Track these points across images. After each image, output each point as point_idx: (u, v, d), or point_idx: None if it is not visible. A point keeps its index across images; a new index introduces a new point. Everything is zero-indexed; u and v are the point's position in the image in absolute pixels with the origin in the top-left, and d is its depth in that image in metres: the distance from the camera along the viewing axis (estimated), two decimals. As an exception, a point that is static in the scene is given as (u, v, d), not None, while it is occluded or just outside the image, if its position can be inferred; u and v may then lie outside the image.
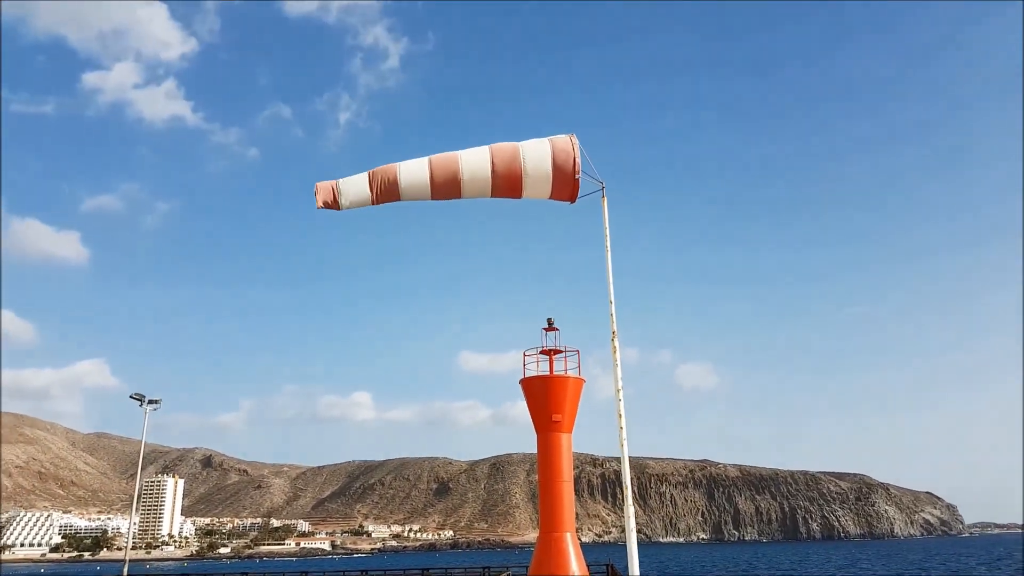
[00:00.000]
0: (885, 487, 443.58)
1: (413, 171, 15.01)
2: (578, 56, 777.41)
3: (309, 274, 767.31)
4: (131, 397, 47.17)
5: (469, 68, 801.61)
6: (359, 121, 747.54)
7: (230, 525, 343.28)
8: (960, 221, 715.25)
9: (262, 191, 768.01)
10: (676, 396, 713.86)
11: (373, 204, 15.16)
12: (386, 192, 14.91)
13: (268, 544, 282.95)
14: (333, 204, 14.93)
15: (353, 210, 15.10)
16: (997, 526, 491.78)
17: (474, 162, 15.25)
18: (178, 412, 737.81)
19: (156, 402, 48.01)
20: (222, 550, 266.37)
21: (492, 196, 15.56)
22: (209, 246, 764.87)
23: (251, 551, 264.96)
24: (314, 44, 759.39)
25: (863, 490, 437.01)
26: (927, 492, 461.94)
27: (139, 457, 53.24)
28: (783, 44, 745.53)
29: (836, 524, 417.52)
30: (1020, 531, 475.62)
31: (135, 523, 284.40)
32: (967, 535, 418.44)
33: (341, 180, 14.90)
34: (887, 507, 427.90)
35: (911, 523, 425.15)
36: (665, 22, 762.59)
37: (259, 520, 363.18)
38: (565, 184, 15.16)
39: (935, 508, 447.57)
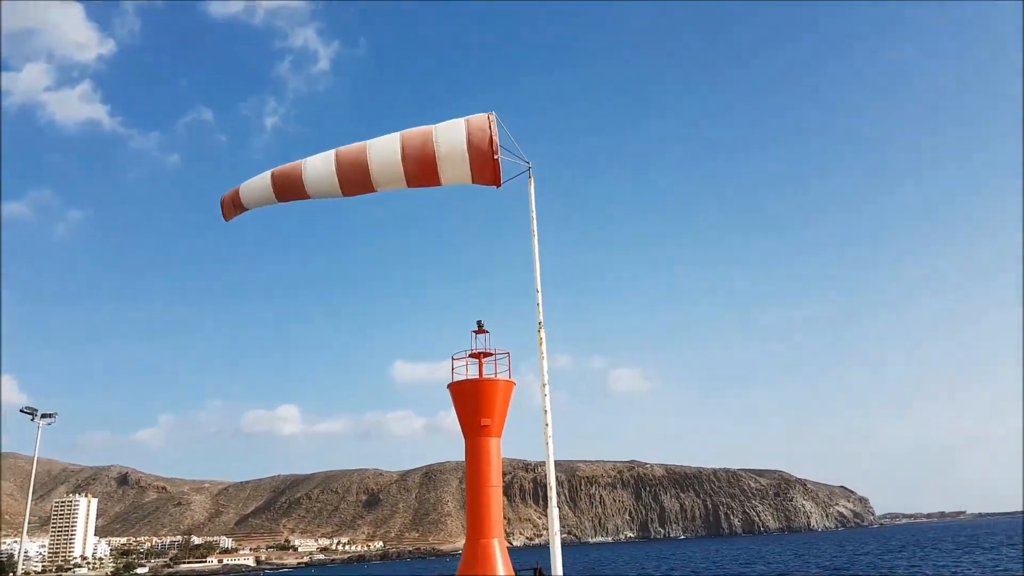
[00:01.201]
0: (802, 483, 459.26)
1: (318, 165, 14.01)
2: (513, 56, 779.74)
3: (232, 286, 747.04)
4: (22, 411, 44.93)
5: (402, 72, 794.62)
6: (287, 126, 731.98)
7: (148, 544, 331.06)
8: (856, 247, 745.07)
9: (183, 200, 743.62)
10: (608, 401, 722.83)
11: (279, 202, 14.01)
12: (291, 189, 13.79)
13: (189, 562, 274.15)
14: (239, 209, 14.04)
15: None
16: (905, 516, 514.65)
17: (382, 149, 14.29)
18: (93, 430, 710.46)
19: (50, 416, 45.87)
20: (139, 570, 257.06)
21: (409, 185, 14.45)
22: (125, 256, 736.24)
23: (171, 570, 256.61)
24: (239, 47, 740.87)
25: (781, 486, 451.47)
26: (841, 486, 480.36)
27: (33, 474, 50.75)
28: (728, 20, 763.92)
29: (756, 519, 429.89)
30: (925, 520, 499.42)
31: (43, 545, 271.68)
32: (878, 526, 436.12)
33: (243, 184, 13.94)
34: (804, 501, 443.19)
35: (827, 516, 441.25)
36: (604, 12, 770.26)
37: (179, 538, 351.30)
38: (484, 165, 14.00)
39: (848, 501, 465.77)
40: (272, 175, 13.84)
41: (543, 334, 11.69)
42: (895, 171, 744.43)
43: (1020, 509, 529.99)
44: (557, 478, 11.39)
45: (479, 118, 14.05)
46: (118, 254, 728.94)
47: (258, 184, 13.88)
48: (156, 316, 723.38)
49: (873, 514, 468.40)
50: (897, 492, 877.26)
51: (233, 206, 13.85)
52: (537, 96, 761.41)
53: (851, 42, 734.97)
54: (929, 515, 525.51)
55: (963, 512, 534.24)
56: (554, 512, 10.84)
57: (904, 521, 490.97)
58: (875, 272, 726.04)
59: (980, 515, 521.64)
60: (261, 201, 13.85)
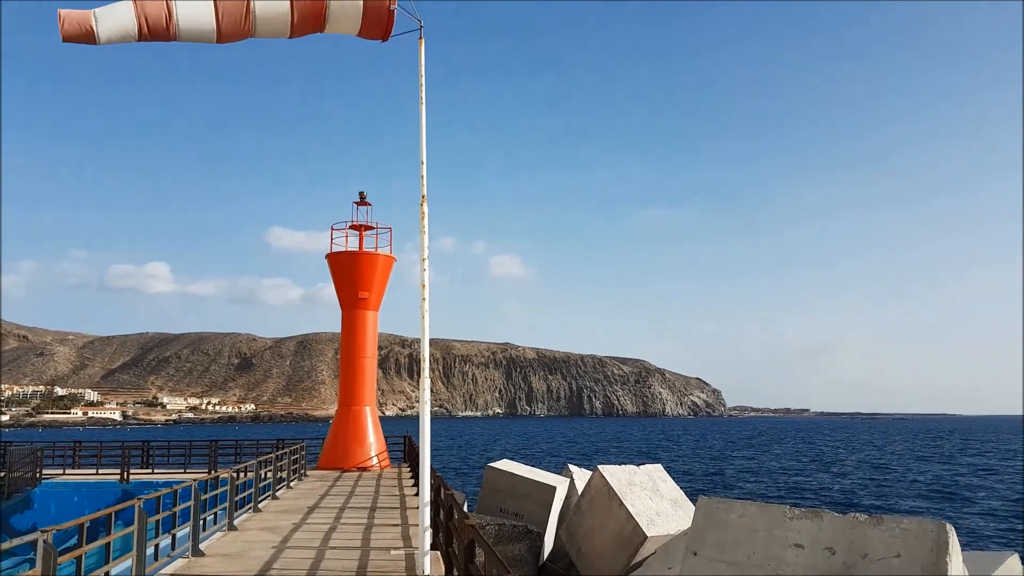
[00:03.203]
0: (661, 372, 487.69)
1: (194, 6, 12.08)
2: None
3: (103, 128, 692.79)
4: None
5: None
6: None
7: (8, 393, 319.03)
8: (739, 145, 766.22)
9: (55, 41, 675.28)
10: (487, 285, 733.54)
11: (139, 40, 11.95)
12: (155, 28, 11.86)
13: (53, 413, 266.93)
14: (86, 36, 11.71)
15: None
16: (753, 409, 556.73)
17: None
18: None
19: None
20: (1, 418, 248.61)
21: (292, 34, 13.13)
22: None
23: (33, 419, 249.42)
24: None
25: (642, 374, 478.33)
26: (697, 378, 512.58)
27: None
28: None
29: (616, 403, 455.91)
30: (772, 415, 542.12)
31: None
32: (728, 416, 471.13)
33: (99, 9, 11.73)
34: (661, 390, 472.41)
35: (681, 404, 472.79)
36: None
37: (42, 388, 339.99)
38: (377, 17, 12.76)
39: (702, 392, 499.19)
40: (136, 6, 11.76)
41: (426, 208, 11.68)
42: (776, 79, 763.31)
43: (861, 411, 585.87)
44: (432, 355, 11.49)
45: None
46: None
47: (116, 13, 11.76)
48: (20, 156, 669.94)
49: (724, 405, 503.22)
50: (747, 387, 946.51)
51: (81, 30, 11.65)
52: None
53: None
54: (776, 410, 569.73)
55: (807, 410, 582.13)
56: (425, 383, 11.25)
57: (752, 414, 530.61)
58: (748, 184, 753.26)
59: (822, 413, 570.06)
60: (116, 33, 11.70)
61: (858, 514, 8.36)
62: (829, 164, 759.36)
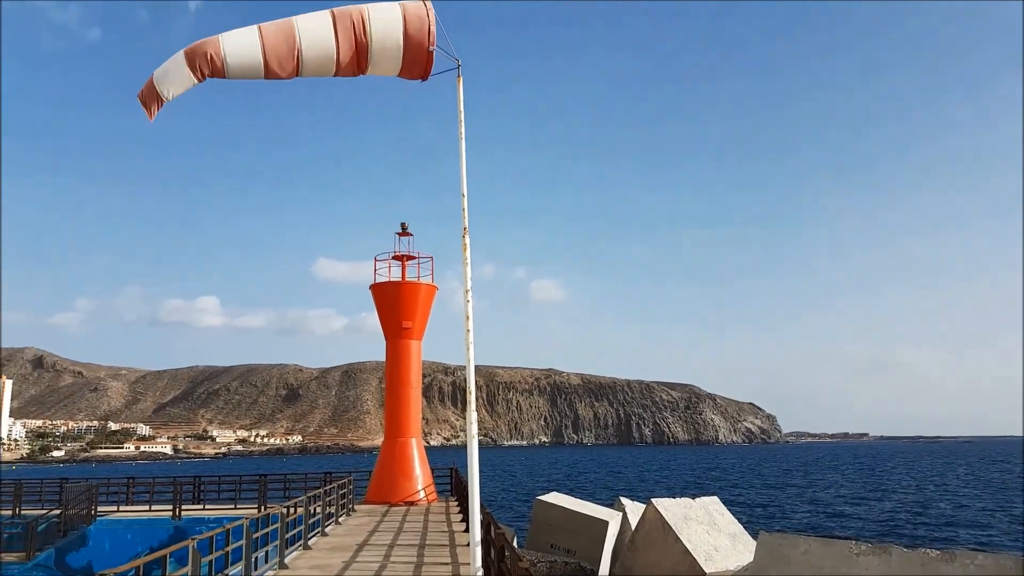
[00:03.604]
0: (712, 397, 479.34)
1: (241, 44, 12.47)
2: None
3: (155, 170, 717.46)
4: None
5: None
6: (211, 11, 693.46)
7: (64, 428, 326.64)
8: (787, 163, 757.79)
9: (104, 76, 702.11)
10: (529, 310, 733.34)
11: (199, 82, 12.58)
12: (208, 70, 12.47)
13: (106, 448, 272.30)
14: (157, 100, 12.47)
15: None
16: (810, 435, 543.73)
17: (315, 32, 12.72)
18: (7, 310, 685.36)
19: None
20: (56, 453, 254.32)
21: (335, 75, 13.50)
22: (43, 133, 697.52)
23: (87, 454, 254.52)
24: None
25: (692, 399, 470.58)
26: (750, 403, 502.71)
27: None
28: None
29: (667, 430, 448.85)
30: (830, 440, 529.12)
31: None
32: (784, 443, 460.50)
33: (155, 72, 12.45)
34: (713, 416, 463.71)
35: (734, 431, 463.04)
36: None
37: (95, 423, 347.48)
38: (417, 58, 12.97)
39: (756, 418, 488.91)
40: (185, 54, 12.32)
41: (468, 239, 11.55)
42: (827, 110, 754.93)
43: (919, 434, 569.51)
44: (476, 383, 11.42)
45: (415, 5, 12.82)
46: (33, 129, 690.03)
47: (170, 67, 12.34)
48: (76, 197, 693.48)
49: (780, 431, 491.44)
50: (803, 412, 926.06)
51: (152, 97, 12.38)
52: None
53: None
54: (833, 435, 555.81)
55: (866, 434, 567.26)
56: (472, 416, 11.02)
57: (809, 440, 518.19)
58: (797, 205, 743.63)
59: (882, 438, 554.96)
60: (177, 84, 12.27)
61: (928, 549, 7.92)
62: (884, 180, 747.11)
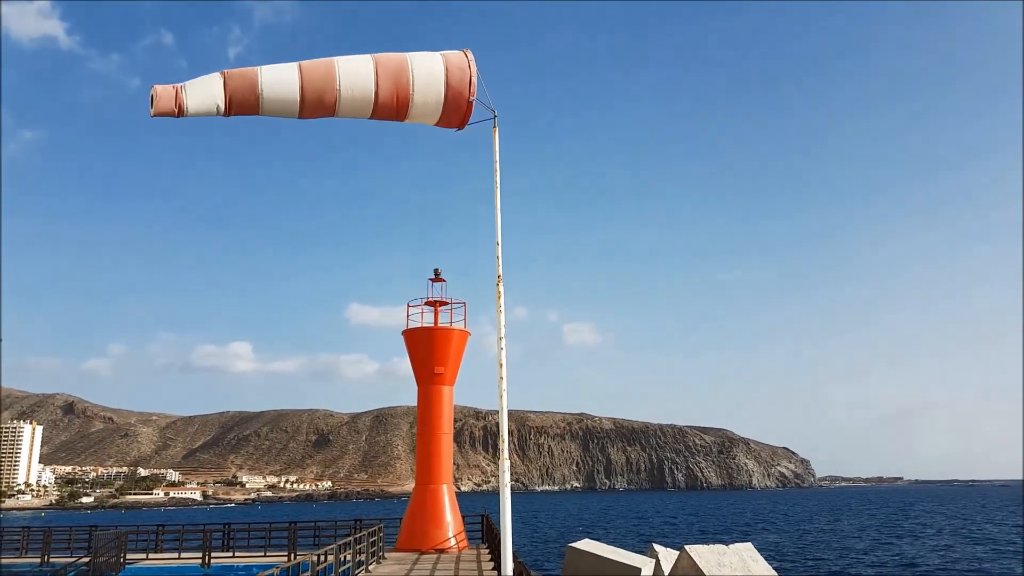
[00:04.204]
0: (745, 441, 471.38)
1: (279, 79, 12.23)
2: None
3: (190, 216, 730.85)
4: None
5: (372, 6, 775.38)
6: (251, 57, 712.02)
7: (93, 474, 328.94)
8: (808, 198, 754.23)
9: (141, 123, 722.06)
10: (561, 354, 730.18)
11: (224, 115, 12.23)
12: (242, 101, 12.11)
13: (135, 493, 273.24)
14: (175, 109, 12.03)
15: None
16: (844, 479, 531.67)
17: (355, 74, 12.63)
18: (39, 356, 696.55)
19: None
20: (85, 499, 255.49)
21: (372, 118, 13.46)
22: (79, 179, 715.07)
23: (116, 500, 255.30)
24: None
25: (725, 444, 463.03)
26: (783, 447, 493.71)
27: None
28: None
29: (700, 475, 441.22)
30: (864, 484, 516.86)
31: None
32: (818, 487, 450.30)
33: (188, 82, 12.11)
34: (746, 460, 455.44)
35: (768, 476, 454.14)
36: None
37: (125, 469, 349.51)
38: (457, 109, 13.01)
39: (790, 462, 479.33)
40: (224, 77, 12.11)
41: (502, 288, 11.52)
42: (854, 145, 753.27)
43: (957, 477, 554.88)
44: (507, 427, 11.30)
45: (457, 55, 12.91)
46: (72, 177, 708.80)
47: (205, 85, 12.06)
48: (110, 243, 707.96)
49: (814, 476, 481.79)
50: (837, 456, 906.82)
51: (168, 100, 11.99)
52: (504, 34, 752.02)
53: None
54: (868, 479, 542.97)
55: (900, 478, 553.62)
56: (505, 464, 10.89)
57: (843, 484, 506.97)
58: (829, 243, 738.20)
59: (916, 481, 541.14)
60: (203, 100, 12.03)
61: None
62: (913, 215, 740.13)
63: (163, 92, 11.94)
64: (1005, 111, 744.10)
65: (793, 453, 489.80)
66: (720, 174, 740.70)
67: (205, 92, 11.93)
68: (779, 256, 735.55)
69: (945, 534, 74.57)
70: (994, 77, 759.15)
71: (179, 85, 12.08)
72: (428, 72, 12.77)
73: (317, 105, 12.73)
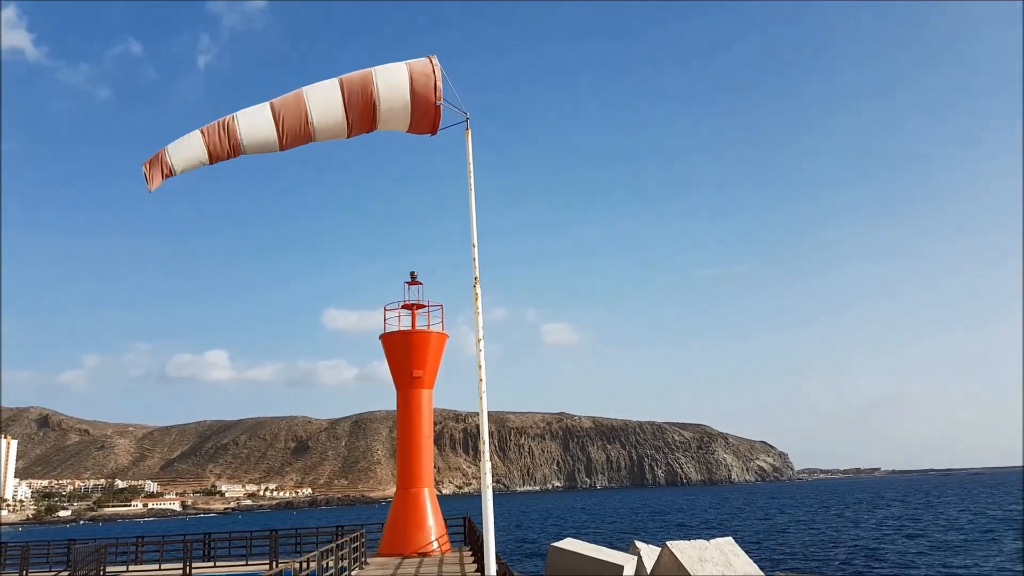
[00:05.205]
0: (724, 436, 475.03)
1: (255, 123, 13.03)
2: None
3: (162, 225, 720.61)
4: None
5: (342, 10, 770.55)
6: (221, 65, 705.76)
7: (70, 487, 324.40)
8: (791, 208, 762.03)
9: (112, 134, 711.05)
10: (540, 353, 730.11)
11: (210, 164, 13.17)
12: (223, 151, 13.02)
13: (113, 506, 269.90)
14: (166, 173, 13.16)
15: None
16: (822, 472, 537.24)
17: (324, 101, 13.23)
18: (12, 369, 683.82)
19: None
20: (62, 513, 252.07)
21: (349, 136, 13.94)
22: (49, 190, 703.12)
23: (94, 513, 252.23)
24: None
25: (704, 439, 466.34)
26: (762, 441, 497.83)
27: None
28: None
29: (679, 471, 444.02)
30: (842, 476, 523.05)
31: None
32: (796, 480, 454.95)
33: (169, 145, 13.03)
34: (725, 455, 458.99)
35: (747, 470, 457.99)
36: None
37: (102, 482, 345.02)
38: (425, 114, 13.37)
39: (768, 456, 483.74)
40: (203, 134, 12.91)
41: (479, 290, 11.62)
42: (839, 138, 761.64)
43: (934, 467, 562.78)
44: (488, 429, 11.47)
45: (421, 62, 13.27)
46: (41, 189, 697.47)
47: (186, 145, 12.99)
48: (82, 253, 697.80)
49: (792, 469, 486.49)
50: (814, 449, 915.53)
51: (158, 167, 12.89)
52: (477, 40, 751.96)
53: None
54: (845, 471, 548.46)
55: (878, 469, 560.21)
56: (487, 466, 10.99)
57: (821, 476, 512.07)
58: (803, 235, 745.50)
59: (893, 472, 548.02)
60: (188, 160, 12.83)
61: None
62: (886, 206, 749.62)
63: (152, 167, 12.83)
64: (970, 107, 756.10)
65: (771, 447, 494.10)
66: (696, 171, 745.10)
67: (188, 153, 12.73)
68: (755, 251, 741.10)
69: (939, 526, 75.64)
70: (965, 73, 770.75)
71: (163, 151, 12.88)
72: (392, 81, 13.13)
73: (295, 139, 13.24)
